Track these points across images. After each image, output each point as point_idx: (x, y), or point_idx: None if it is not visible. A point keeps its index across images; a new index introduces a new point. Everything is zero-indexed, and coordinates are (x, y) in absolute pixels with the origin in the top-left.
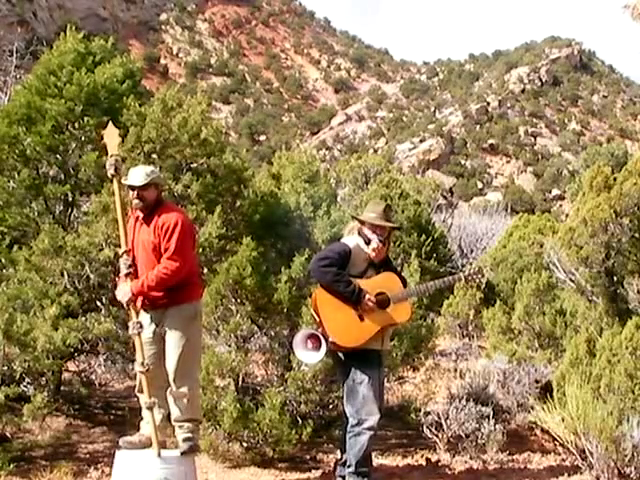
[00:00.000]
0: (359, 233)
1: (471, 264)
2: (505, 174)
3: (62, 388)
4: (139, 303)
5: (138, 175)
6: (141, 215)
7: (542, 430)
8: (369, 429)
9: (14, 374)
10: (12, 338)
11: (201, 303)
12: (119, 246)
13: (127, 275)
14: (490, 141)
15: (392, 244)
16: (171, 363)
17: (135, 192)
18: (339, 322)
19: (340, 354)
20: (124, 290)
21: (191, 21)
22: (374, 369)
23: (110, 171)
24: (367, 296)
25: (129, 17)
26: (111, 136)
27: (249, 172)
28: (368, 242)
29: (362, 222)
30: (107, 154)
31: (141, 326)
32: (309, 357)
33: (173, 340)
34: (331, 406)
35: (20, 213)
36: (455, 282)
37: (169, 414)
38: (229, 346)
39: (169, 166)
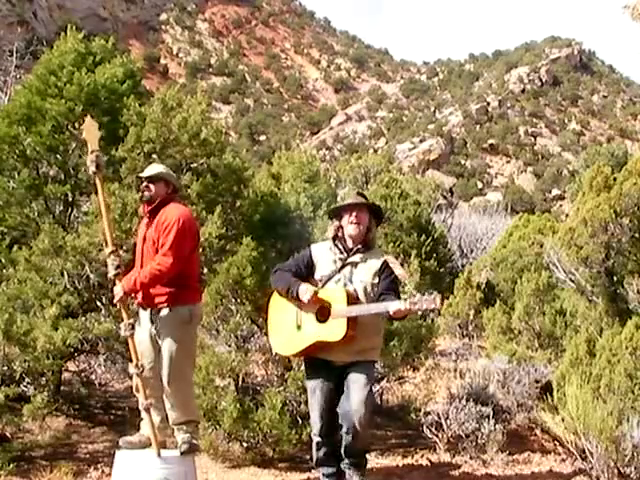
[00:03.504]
0: (335, 236)
1: (471, 264)
2: (505, 174)
3: (62, 388)
4: (137, 299)
5: (150, 168)
6: (147, 208)
7: (542, 430)
8: (314, 436)
9: (14, 374)
10: (12, 338)
11: (198, 307)
12: (120, 246)
13: (115, 276)
14: (490, 141)
15: (393, 244)
16: (164, 367)
17: (143, 183)
18: (278, 329)
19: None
20: (114, 290)
21: (191, 21)
22: (318, 379)
23: (92, 168)
24: (305, 287)
25: (129, 17)
26: (91, 130)
27: (249, 172)
28: (342, 236)
29: (336, 214)
30: (88, 150)
31: (132, 327)
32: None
33: (167, 344)
34: None
35: (20, 213)
36: (391, 311)
37: (167, 415)
38: (229, 346)
39: (169, 166)
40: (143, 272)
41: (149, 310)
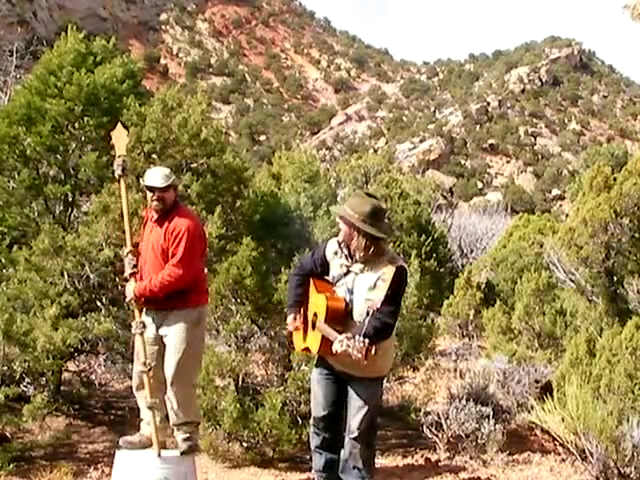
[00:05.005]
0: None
1: (471, 264)
2: (505, 174)
3: (62, 388)
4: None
5: (158, 177)
6: (155, 216)
7: (542, 430)
8: (311, 423)
9: (14, 374)
10: (12, 338)
11: (206, 309)
12: (120, 246)
13: (131, 275)
14: (490, 141)
15: (393, 244)
16: (169, 367)
17: (155, 194)
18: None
19: None
20: (127, 289)
21: (191, 21)
22: (318, 372)
23: (118, 172)
24: (292, 317)
25: (129, 17)
26: (120, 137)
27: (249, 172)
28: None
29: None
30: (115, 154)
31: (144, 326)
32: None
33: (174, 344)
34: None
35: (20, 213)
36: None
37: (168, 415)
38: (229, 346)
39: (169, 166)
40: (154, 280)
41: (158, 312)
